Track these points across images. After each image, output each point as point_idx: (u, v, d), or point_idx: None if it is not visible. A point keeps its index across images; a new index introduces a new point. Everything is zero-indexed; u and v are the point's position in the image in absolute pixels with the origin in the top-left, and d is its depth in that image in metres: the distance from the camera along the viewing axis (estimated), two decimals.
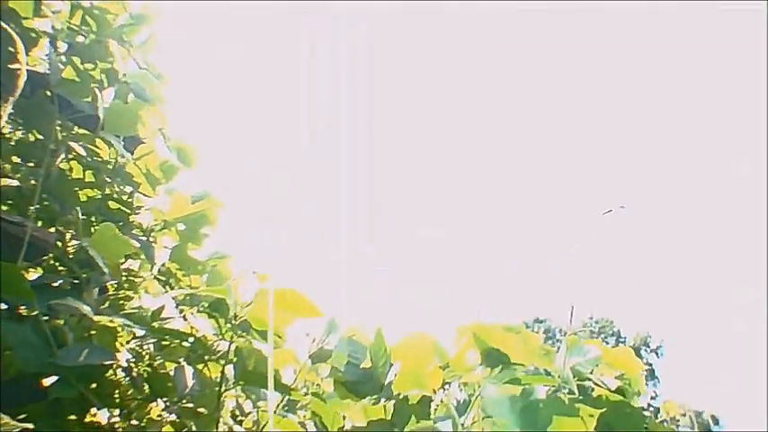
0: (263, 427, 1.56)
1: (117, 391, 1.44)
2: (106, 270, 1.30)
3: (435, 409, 1.38)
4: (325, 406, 1.32)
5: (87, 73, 1.43)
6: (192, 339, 1.33)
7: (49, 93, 1.47)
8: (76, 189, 1.58)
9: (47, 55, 1.39)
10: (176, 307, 1.50)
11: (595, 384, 1.38)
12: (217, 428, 1.48)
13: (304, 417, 1.42)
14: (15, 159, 1.65)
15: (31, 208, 1.59)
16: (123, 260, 1.43)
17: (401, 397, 1.29)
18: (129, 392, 1.35)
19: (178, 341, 1.44)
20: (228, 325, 1.30)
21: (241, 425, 1.50)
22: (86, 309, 1.19)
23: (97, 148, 1.50)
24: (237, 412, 1.57)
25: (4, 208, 1.44)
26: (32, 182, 1.62)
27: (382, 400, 1.29)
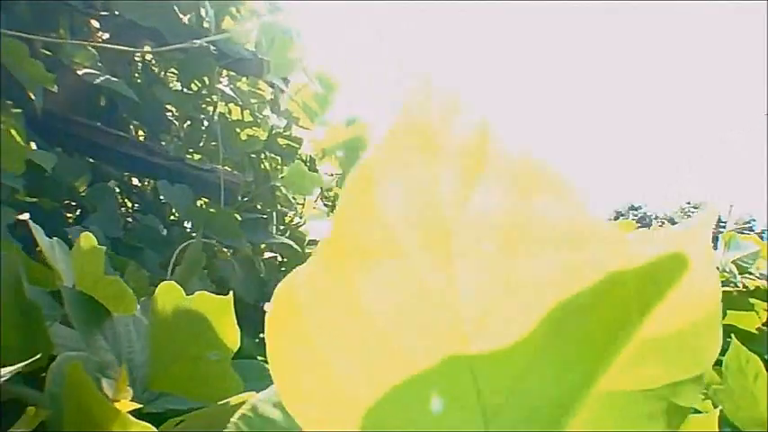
0: None
1: None
2: (295, 205, 1.43)
3: None
4: None
5: (246, 20, 1.50)
6: None
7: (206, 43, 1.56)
8: (237, 130, 1.69)
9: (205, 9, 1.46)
10: None
11: (756, 278, 1.39)
12: None
13: None
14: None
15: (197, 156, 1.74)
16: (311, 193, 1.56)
17: None
18: None
19: None
20: None
21: None
22: (291, 242, 1.33)
23: (260, 90, 1.59)
24: None
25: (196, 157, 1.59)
26: (201, 127, 1.76)
27: None
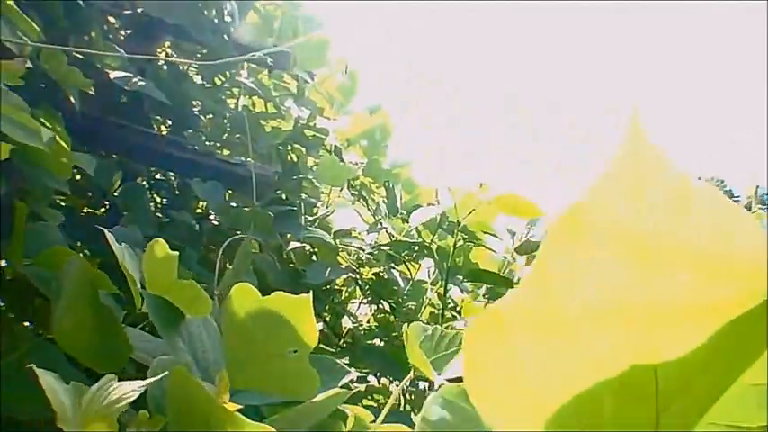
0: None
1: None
2: (323, 196, 1.45)
3: None
4: None
5: (270, 14, 1.50)
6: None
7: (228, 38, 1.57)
8: (262, 122, 1.71)
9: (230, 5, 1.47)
10: (375, 217, 1.66)
11: None
12: (421, 314, 1.68)
13: None
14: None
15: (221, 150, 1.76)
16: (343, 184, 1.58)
17: None
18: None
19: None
20: (440, 229, 1.44)
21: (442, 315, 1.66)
22: (324, 234, 1.35)
23: (285, 82, 1.60)
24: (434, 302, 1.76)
25: (221, 150, 1.61)
26: (224, 121, 1.77)
27: None
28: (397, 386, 1.14)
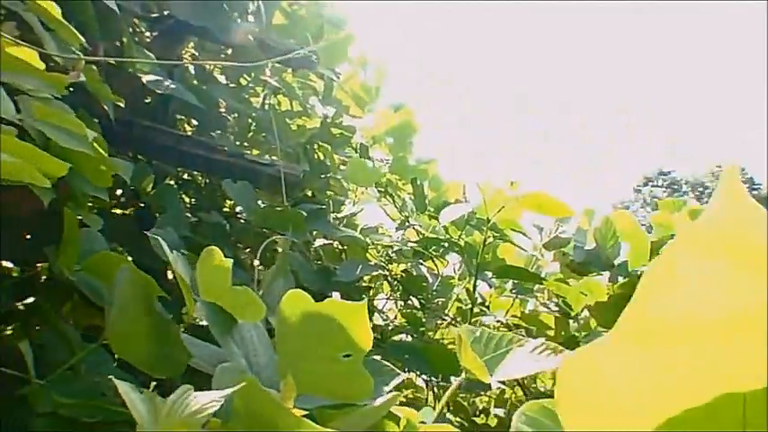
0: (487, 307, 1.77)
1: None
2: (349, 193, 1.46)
3: None
4: (570, 287, 1.48)
5: (295, 14, 1.51)
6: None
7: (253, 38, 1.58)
8: (288, 120, 1.72)
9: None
10: (401, 213, 1.67)
11: None
12: (449, 310, 1.70)
13: (540, 297, 1.59)
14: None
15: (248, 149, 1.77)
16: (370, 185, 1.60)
17: (639, 273, 1.41)
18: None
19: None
20: (468, 225, 1.46)
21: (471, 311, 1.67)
22: (354, 232, 1.37)
23: (311, 81, 1.61)
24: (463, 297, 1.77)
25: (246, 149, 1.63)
26: (249, 120, 1.79)
27: (619, 278, 1.42)
28: (435, 383, 1.16)
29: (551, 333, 1.56)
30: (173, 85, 1.34)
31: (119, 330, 0.77)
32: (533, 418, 0.40)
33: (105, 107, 1.19)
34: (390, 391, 0.74)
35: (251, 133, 1.81)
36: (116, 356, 0.90)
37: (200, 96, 1.53)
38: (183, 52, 1.74)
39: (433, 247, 1.59)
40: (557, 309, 1.47)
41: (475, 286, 1.43)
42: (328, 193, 1.70)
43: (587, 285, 1.43)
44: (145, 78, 1.32)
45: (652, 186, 27.60)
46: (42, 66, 0.82)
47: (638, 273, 1.41)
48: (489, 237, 1.36)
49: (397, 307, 1.73)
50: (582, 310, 1.49)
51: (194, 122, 1.81)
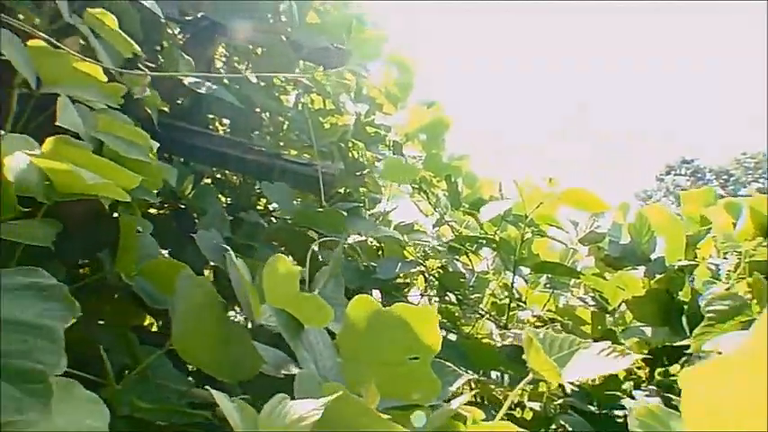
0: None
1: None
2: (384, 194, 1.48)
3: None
4: (606, 282, 1.48)
5: (327, 13, 1.52)
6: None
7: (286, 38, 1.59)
8: (321, 119, 1.73)
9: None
10: (436, 209, 1.68)
11: None
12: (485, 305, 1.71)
13: (575, 292, 1.60)
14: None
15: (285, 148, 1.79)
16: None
17: (675, 267, 1.41)
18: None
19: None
20: (504, 221, 1.47)
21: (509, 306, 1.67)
22: (394, 231, 1.38)
23: (345, 79, 1.62)
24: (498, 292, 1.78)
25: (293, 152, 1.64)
26: (280, 118, 1.80)
27: (656, 273, 1.42)
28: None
29: (586, 328, 1.57)
30: (214, 86, 1.35)
31: (186, 336, 0.79)
32: (644, 422, 0.42)
33: (149, 111, 1.22)
34: (456, 391, 0.76)
35: (283, 132, 1.82)
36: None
37: (236, 97, 1.54)
38: (216, 53, 1.76)
39: (468, 243, 1.60)
40: (593, 303, 1.48)
41: (513, 281, 1.45)
42: (362, 190, 1.71)
43: (623, 279, 1.44)
44: (186, 80, 1.34)
45: (675, 175, 27.23)
46: (105, 78, 0.84)
47: (675, 267, 1.42)
48: (527, 232, 1.37)
49: (431, 302, 1.75)
50: (619, 305, 1.50)
51: (225, 122, 1.83)
